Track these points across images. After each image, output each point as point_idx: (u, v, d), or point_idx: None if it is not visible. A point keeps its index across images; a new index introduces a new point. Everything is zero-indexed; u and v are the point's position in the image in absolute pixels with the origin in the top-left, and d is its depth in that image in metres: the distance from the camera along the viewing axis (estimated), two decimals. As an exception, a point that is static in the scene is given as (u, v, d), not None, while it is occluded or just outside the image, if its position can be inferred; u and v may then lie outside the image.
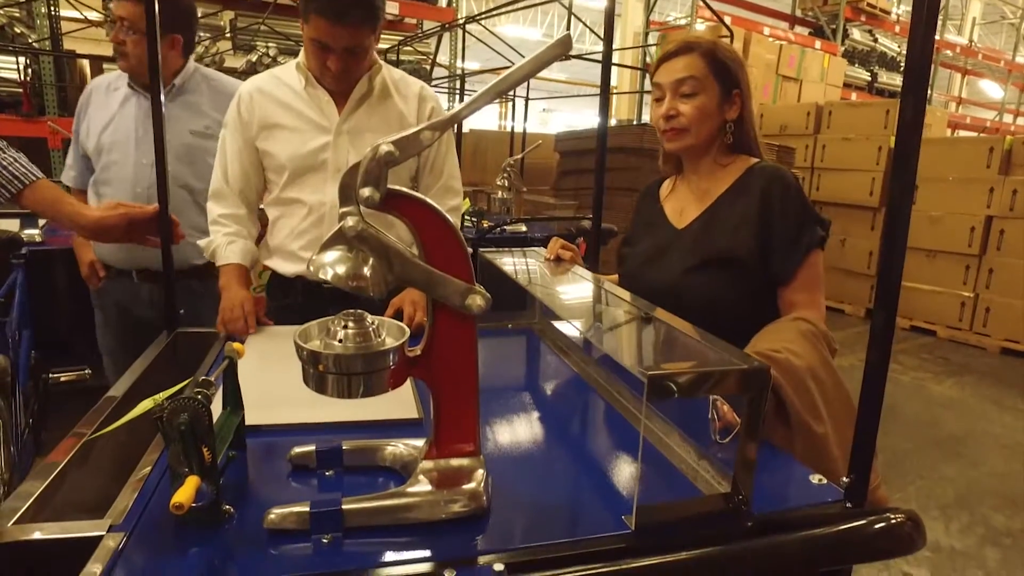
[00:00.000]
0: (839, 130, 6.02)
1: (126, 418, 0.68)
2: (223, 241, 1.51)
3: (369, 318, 0.73)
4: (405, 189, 0.70)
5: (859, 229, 5.85)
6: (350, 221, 0.67)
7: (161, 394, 0.78)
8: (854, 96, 9.59)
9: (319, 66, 1.42)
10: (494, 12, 3.57)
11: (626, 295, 1.14)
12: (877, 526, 0.44)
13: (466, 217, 3.41)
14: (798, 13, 10.16)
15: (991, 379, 4.39)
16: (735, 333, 1.17)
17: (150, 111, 1.77)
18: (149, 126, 1.76)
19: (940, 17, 10.27)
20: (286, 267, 1.55)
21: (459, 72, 6.00)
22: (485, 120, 10.74)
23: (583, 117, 13.16)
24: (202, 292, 1.78)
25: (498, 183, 3.39)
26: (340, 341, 0.70)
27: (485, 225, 3.27)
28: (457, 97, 6.32)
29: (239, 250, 1.50)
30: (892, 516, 0.46)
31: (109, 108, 1.88)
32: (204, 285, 1.79)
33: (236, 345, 0.89)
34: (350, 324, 0.71)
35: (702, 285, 1.24)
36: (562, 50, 0.71)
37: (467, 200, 3.51)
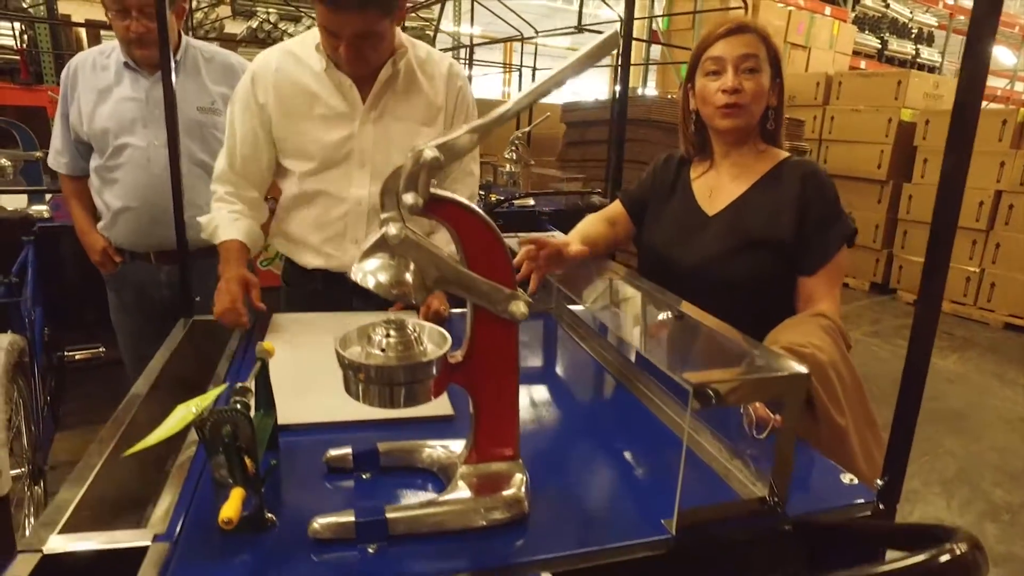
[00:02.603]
0: (849, 101, 5.92)
1: (165, 433, 0.67)
2: (227, 218, 1.39)
3: (411, 325, 0.72)
4: (448, 193, 0.68)
5: (866, 202, 5.80)
6: (393, 229, 0.66)
7: (194, 401, 0.77)
8: (863, 64, 9.40)
9: (332, 53, 1.31)
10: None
11: (649, 286, 1.13)
12: (942, 559, 0.44)
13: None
14: (808, -24, 9.89)
15: (994, 354, 4.42)
16: (757, 316, 1.18)
17: (155, 89, 1.75)
18: (158, 105, 1.71)
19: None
20: (306, 259, 1.47)
21: (460, 37, 5.87)
22: (489, 89, 10.55)
23: (589, 84, 12.94)
24: (208, 268, 1.76)
25: (506, 156, 3.34)
26: (382, 350, 0.69)
27: (493, 199, 3.23)
28: (462, 61, 6.19)
29: (244, 228, 1.38)
30: (957, 547, 0.46)
31: (103, 89, 1.81)
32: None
33: (267, 345, 0.88)
34: (392, 332, 0.70)
35: (733, 268, 1.25)
36: (612, 48, 0.68)
37: (475, 174, 3.47)
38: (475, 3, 3.52)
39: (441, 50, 1.80)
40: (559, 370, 1.32)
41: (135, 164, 1.80)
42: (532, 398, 1.13)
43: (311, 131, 1.38)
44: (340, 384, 0.71)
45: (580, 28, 2.94)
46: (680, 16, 8.01)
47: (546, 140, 5.35)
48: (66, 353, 2.31)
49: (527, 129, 3.29)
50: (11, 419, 1.67)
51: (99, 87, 1.81)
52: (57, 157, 1.93)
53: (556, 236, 1.51)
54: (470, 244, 0.70)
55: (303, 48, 1.38)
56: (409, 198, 0.64)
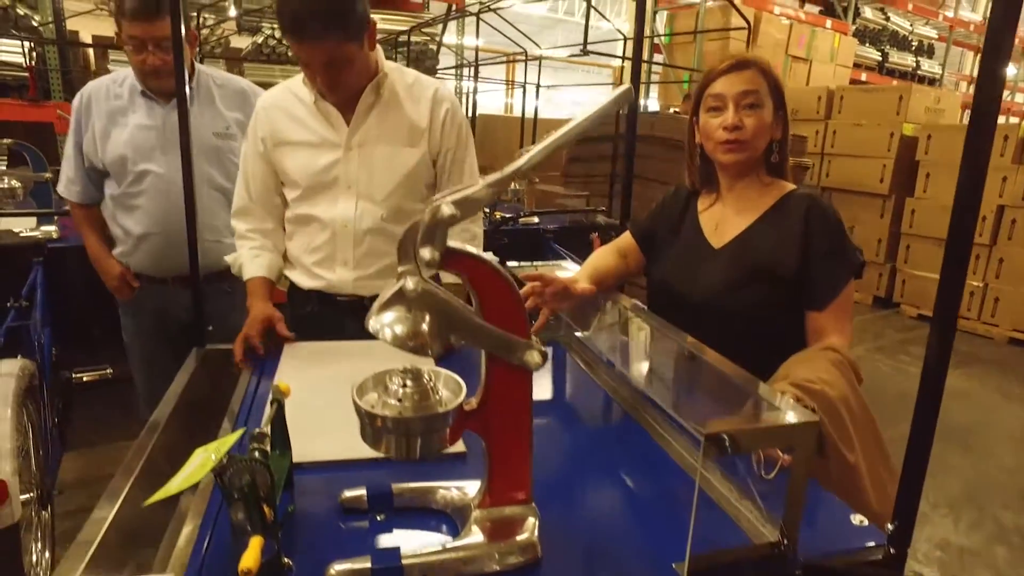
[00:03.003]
0: (850, 115, 5.95)
1: (186, 482, 0.68)
2: (248, 256, 1.51)
3: (426, 374, 0.73)
4: (463, 246, 0.70)
5: (869, 216, 5.82)
6: (410, 283, 0.67)
7: (212, 446, 0.78)
8: (864, 76, 9.45)
9: (312, 83, 1.40)
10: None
11: (658, 323, 1.14)
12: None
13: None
14: (809, -10, 9.97)
15: (999, 369, 4.41)
16: (766, 349, 1.19)
17: (172, 117, 1.74)
18: (176, 132, 1.76)
19: (954, -8, 10.01)
20: (303, 280, 1.55)
21: (463, 51, 5.92)
22: (493, 102, 10.62)
23: (592, 98, 13.04)
24: (231, 292, 1.79)
25: (511, 175, 3.36)
26: (399, 400, 0.71)
27: (498, 217, 3.25)
28: (465, 77, 6.24)
29: (264, 263, 1.51)
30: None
31: (118, 117, 1.83)
32: (233, 285, 1.79)
33: (282, 385, 0.89)
34: (408, 383, 0.71)
35: (740, 301, 1.25)
36: (625, 102, 0.70)
37: (479, 191, 3.49)
38: (479, 19, 3.54)
39: (442, 69, 1.84)
40: (568, 401, 1.33)
41: (156, 191, 1.82)
42: (541, 430, 1.14)
43: (301, 158, 1.46)
44: (353, 420, 0.72)
45: (585, 50, 2.97)
46: (682, 27, 8.07)
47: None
48: (74, 375, 2.32)
49: (531, 147, 3.31)
50: (21, 445, 1.69)
51: (114, 115, 1.83)
52: (69, 186, 1.94)
53: (565, 268, 1.52)
54: (486, 295, 0.71)
55: (297, 84, 1.48)
56: (426, 253, 0.66)
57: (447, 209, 0.65)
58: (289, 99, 1.48)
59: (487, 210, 3.38)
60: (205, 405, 1.32)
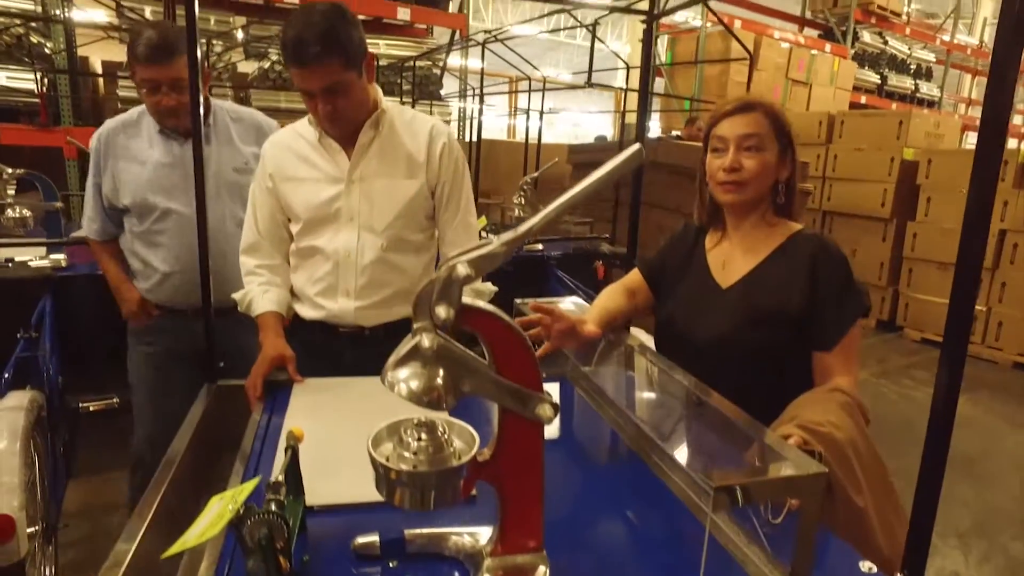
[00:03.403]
0: (851, 140, 6.01)
1: (204, 535, 0.69)
2: (258, 291, 1.54)
3: (440, 426, 0.74)
4: (478, 303, 0.71)
5: (871, 240, 5.84)
6: (426, 341, 0.69)
7: (228, 494, 0.79)
8: (864, 99, 9.55)
9: (314, 114, 1.46)
10: (508, 30, 3.57)
11: (667, 365, 1.15)
12: None
13: (482, 234, 3.42)
14: (808, 15, 10.10)
15: (1005, 395, 4.40)
16: (773, 390, 1.20)
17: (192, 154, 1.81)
18: (207, 169, 1.79)
19: (952, 17, 10.19)
20: (305, 311, 1.59)
21: (467, 75, 6.00)
22: (495, 124, 10.74)
23: (592, 119, 13.16)
24: (247, 322, 1.78)
25: (515, 201, 3.39)
26: (414, 453, 0.72)
27: (503, 244, 3.27)
28: (468, 100, 6.32)
29: (274, 298, 1.54)
30: None
31: (138, 157, 1.85)
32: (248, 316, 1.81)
33: (296, 431, 0.91)
34: (423, 436, 0.72)
35: (747, 343, 1.26)
36: (636, 163, 0.72)
37: (483, 217, 3.52)
38: (484, 48, 3.60)
39: (447, 94, 1.88)
40: (575, 437, 1.34)
41: (182, 229, 1.84)
42: (549, 467, 1.14)
43: (305, 192, 1.52)
44: (365, 462, 0.73)
45: (589, 82, 3.02)
46: (683, 51, 8.18)
47: (553, 180, 5.42)
48: (80, 404, 2.33)
49: (535, 175, 3.35)
50: (28, 478, 1.69)
51: (134, 155, 1.85)
52: (90, 224, 1.98)
53: (573, 304, 1.54)
54: (499, 350, 0.73)
55: (302, 125, 1.56)
56: (442, 311, 0.67)
57: (463, 269, 0.67)
58: (294, 138, 1.55)
59: (491, 235, 3.40)
60: (217, 442, 1.33)
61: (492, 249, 0.69)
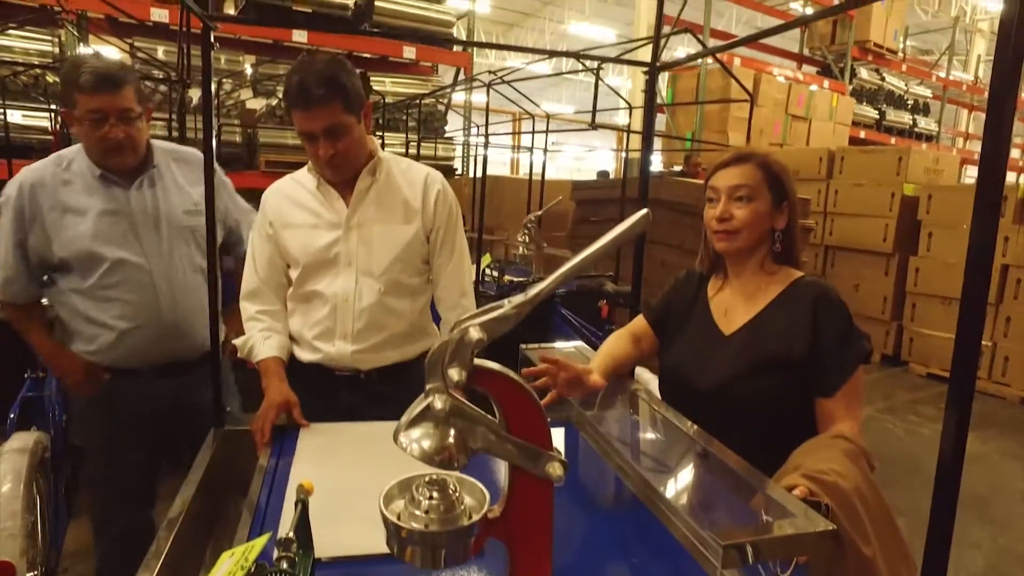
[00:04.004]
0: (851, 175, 6.07)
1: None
2: (259, 337, 1.55)
3: (451, 484, 0.75)
4: (490, 364, 0.72)
5: (873, 274, 5.86)
6: (438, 403, 0.70)
7: (239, 550, 0.79)
8: (863, 134, 9.68)
9: (314, 158, 1.50)
10: (514, 71, 3.66)
11: (673, 415, 1.16)
12: None
13: (487, 271, 3.45)
14: (806, 52, 10.32)
15: (1014, 432, 4.35)
16: (777, 436, 1.20)
17: (144, 199, 1.71)
18: (150, 215, 1.71)
19: (946, 54, 10.38)
20: (303, 354, 1.60)
21: (471, 112, 6.11)
22: (498, 157, 10.90)
23: (594, 154, 13.35)
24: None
25: (519, 239, 3.43)
26: (425, 512, 0.72)
27: (507, 281, 3.30)
28: (473, 134, 6.41)
29: (276, 344, 1.55)
30: None
31: (75, 206, 1.66)
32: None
33: (306, 484, 0.91)
34: (434, 494, 0.73)
35: (750, 390, 1.27)
36: (642, 228, 0.74)
37: (487, 255, 3.55)
38: (490, 88, 3.68)
39: (450, 131, 1.92)
40: (579, 484, 1.33)
41: (138, 282, 1.70)
42: (554, 514, 1.14)
43: (304, 238, 1.55)
44: (373, 512, 0.73)
45: (594, 125, 3.08)
46: (684, 88, 8.33)
47: (557, 217, 5.48)
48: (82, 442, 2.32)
49: (539, 213, 3.39)
50: (30, 522, 1.68)
51: (69, 205, 1.66)
52: (7, 286, 1.72)
53: (578, 349, 1.55)
54: (510, 409, 0.74)
55: (301, 173, 1.60)
56: (454, 374, 0.69)
57: (475, 333, 0.68)
58: (293, 187, 1.60)
59: (495, 275, 3.44)
60: (223, 488, 1.33)
61: (504, 312, 0.70)
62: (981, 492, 3.37)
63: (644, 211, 0.74)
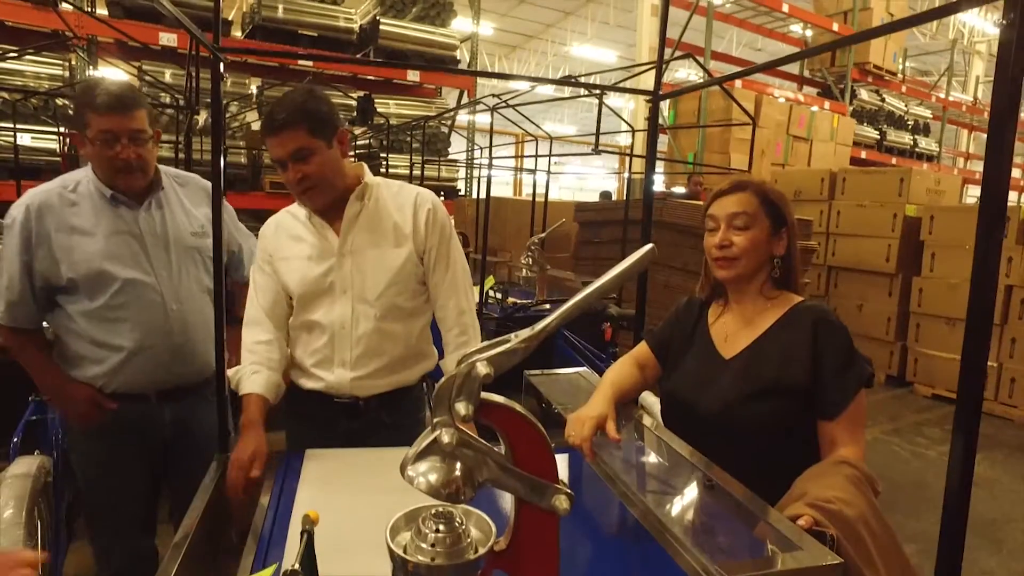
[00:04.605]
0: (853, 196, 6.09)
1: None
2: (247, 371, 1.54)
3: (458, 517, 0.75)
4: (497, 398, 0.73)
5: (877, 294, 5.85)
6: (446, 437, 0.70)
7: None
8: (864, 154, 9.73)
9: (287, 185, 1.50)
10: (519, 95, 3.70)
11: (679, 446, 1.16)
12: None
13: (490, 293, 3.46)
14: (806, 74, 10.42)
15: (1021, 453, 4.31)
16: (780, 462, 1.20)
17: (153, 220, 1.74)
18: (159, 236, 1.74)
19: (945, 76, 10.47)
20: (303, 382, 1.61)
21: (475, 134, 6.16)
22: (501, 177, 10.96)
23: (595, 171, 13.43)
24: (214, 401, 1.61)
25: (523, 261, 3.44)
26: (432, 545, 0.72)
27: (511, 303, 3.30)
28: (476, 158, 6.46)
29: (262, 381, 1.51)
30: None
31: (83, 227, 1.67)
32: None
33: (312, 514, 0.91)
34: (440, 527, 0.73)
35: (752, 415, 1.27)
36: (648, 262, 0.75)
37: (491, 277, 3.56)
38: (493, 111, 3.72)
39: (454, 152, 1.92)
40: (584, 510, 1.32)
41: (148, 302, 1.70)
42: (560, 546, 1.13)
43: (300, 269, 1.56)
44: (378, 540, 0.73)
45: (597, 149, 3.11)
46: (685, 109, 8.40)
47: (560, 238, 5.50)
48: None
49: (543, 235, 3.40)
50: (32, 549, 1.67)
51: (77, 226, 1.66)
52: (10, 310, 1.68)
53: (582, 376, 1.55)
54: (517, 442, 0.74)
55: (295, 206, 1.62)
56: (461, 408, 0.69)
57: (482, 368, 0.69)
58: (288, 219, 1.62)
59: (498, 296, 3.45)
60: (227, 515, 1.33)
61: (510, 347, 0.71)
62: (991, 516, 3.33)
63: (649, 246, 0.75)
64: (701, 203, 1.70)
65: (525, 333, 0.72)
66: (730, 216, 1.32)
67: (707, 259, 1.40)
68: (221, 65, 1.36)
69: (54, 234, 1.65)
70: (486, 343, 0.73)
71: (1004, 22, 0.71)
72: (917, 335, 5.65)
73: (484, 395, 0.72)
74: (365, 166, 1.62)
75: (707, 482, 1.00)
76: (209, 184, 1.85)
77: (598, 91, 2.38)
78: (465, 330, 1.63)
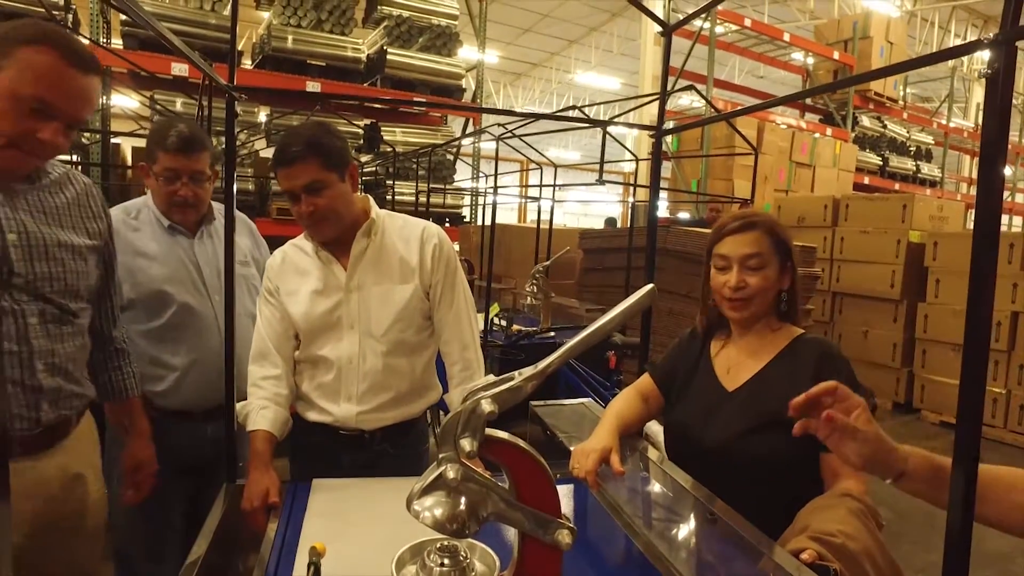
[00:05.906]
0: (857, 222, 6.12)
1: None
2: (256, 406, 1.54)
3: (462, 551, 0.76)
4: (502, 434, 0.75)
5: (882, 320, 5.84)
6: (451, 472, 0.72)
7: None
8: (867, 180, 9.79)
9: (298, 217, 1.51)
10: (524, 124, 3.76)
11: (683, 478, 1.17)
12: None
13: (495, 320, 3.48)
14: (808, 101, 10.53)
15: (1031, 483, 4.25)
16: (783, 494, 1.20)
17: (206, 248, 1.85)
18: (213, 264, 1.84)
19: (946, 102, 10.54)
20: (308, 414, 1.62)
21: (479, 163, 6.25)
22: (505, 202, 11.06)
23: (600, 200, 13.54)
24: None
25: (528, 289, 3.47)
26: (437, 581, 0.74)
27: (515, 331, 3.32)
28: (481, 185, 6.54)
29: (269, 417, 1.52)
30: None
31: (146, 251, 1.79)
32: None
33: (319, 545, 0.93)
34: (445, 561, 0.74)
35: (754, 447, 1.28)
36: (649, 302, 0.77)
37: (495, 304, 3.59)
38: (499, 141, 3.78)
39: (459, 180, 1.94)
40: (588, 541, 1.33)
41: (203, 324, 1.83)
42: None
43: (306, 305, 1.58)
44: (384, 571, 0.74)
45: (601, 180, 3.15)
46: (689, 136, 8.49)
47: (565, 265, 5.53)
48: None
49: (547, 263, 3.43)
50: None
51: (140, 250, 1.80)
52: None
53: (585, 406, 1.56)
54: (521, 477, 0.76)
55: (301, 239, 1.63)
56: (466, 444, 0.71)
57: (487, 406, 0.71)
58: (295, 253, 1.63)
59: (503, 324, 3.47)
60: (235, 545, 1.34)
61: (514, 384, 0.73)
62: (1003, 550, 3.27)
63: (650, 286, 0.78)
64: (706, 231, 1.72)
65: (529, 371, 0.74)
66: (743, 257, 1.33)
67: (714, 296, 1.41)
68: (236, 103, 1.40)
69: (120, 256, 1.70)
70: (491, 380, 0.75)
71: (988, 71, 0.74)
72: (924, 361, 5.62)
73: (488, 431, 0.74)
74: (371, 199, 1.64)
75: (710, 515, 1.01)
76: (246, 216, 2.02)
77: (601, 125, 2.44)
78: (469, 365, 1.65)
